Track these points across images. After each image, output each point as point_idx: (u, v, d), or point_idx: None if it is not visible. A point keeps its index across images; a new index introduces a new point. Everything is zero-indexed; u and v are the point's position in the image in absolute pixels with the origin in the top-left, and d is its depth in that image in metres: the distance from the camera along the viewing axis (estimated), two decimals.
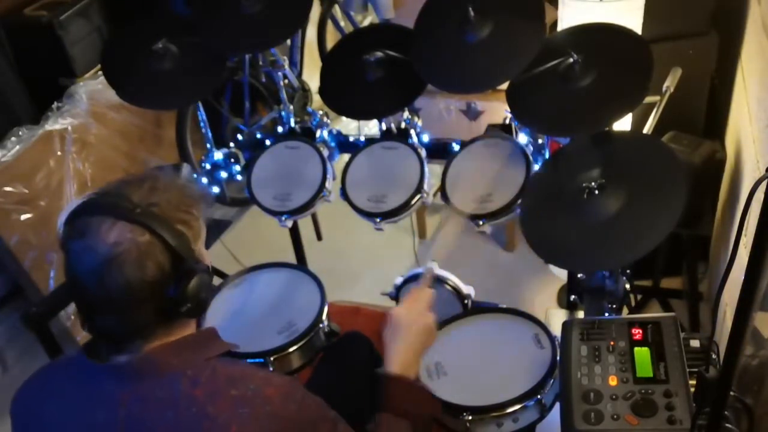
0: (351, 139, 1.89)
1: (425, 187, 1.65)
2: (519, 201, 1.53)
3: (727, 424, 1.05)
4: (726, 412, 1.01)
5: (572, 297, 1.90)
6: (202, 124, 1.97)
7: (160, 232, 0.94)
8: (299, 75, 3.34)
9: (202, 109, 1.97)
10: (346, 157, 1.81)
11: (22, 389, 1.08)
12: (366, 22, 3.90)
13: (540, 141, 1.68)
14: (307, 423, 0.98)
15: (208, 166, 1.92)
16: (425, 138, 1.79)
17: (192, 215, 1.01)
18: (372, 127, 1.88)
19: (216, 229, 3.08)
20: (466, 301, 1.78)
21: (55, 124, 2.54)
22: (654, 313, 2.29)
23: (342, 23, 3.73)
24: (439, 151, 1.75)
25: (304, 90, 3.20)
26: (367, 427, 1.15)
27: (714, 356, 1.31)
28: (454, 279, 1.79)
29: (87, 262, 0.93)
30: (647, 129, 1.62)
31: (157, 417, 0.94)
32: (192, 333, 1.04)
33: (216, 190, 2.00)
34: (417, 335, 1.23)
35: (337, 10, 3.68)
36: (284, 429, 0.95)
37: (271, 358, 1.63)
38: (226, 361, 1.03)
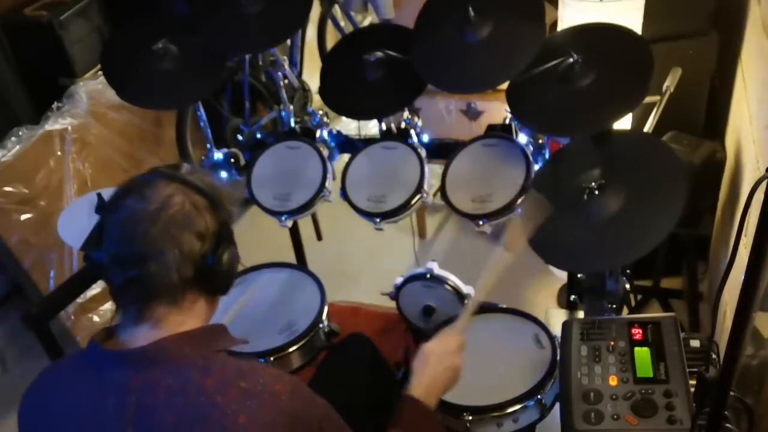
0: (351, 139, 1.89)
1: (425, 187, 1.65)
2: (519, 201, 1.53)
3: (727, 424, 1.05)
4: (726, 412, 1.01)
5: (572, 297, 1.90)
6: (202, 124, 1.97)
7: (213, 200, 1.03)
8: (299, 75, 3.34)
9: (202, 109, 1.96)
10: (346, 157, 1.81)
11: (27, 394, 1.07)
12: (366, 22, 3.90)
13: (540, 141, 1.68)
14: (312, 422, 1.00)
15: (208, 166, 1.92)
16: (425, 138, 1.79)
17: (227, 210, 1.08)
18: (372, 127, 1.88)
19: None
20: (466, 301, 1.78)
21: (55, 124, 2.54)
22: (654, 313, 2.29)
23: (342, 23, 3.73)
24: (439, 151, 1.75)
25: (304, 90, 3.19)
26: None
27: (714, 356, 1.31)
28: (454, 279, 1.79)
29: (140, 210, 0.98)
30: (647, 129, 1.62)
31: (166, 404, 0.95)
32: (203, 326, 1.06)
33: None
34: (444, 372, 1.25)
35: (337, 10, 3.68)
36: (290, 424, 0.96)
37: (271, 358, 1.63)
38: (234, 356, 1.04)
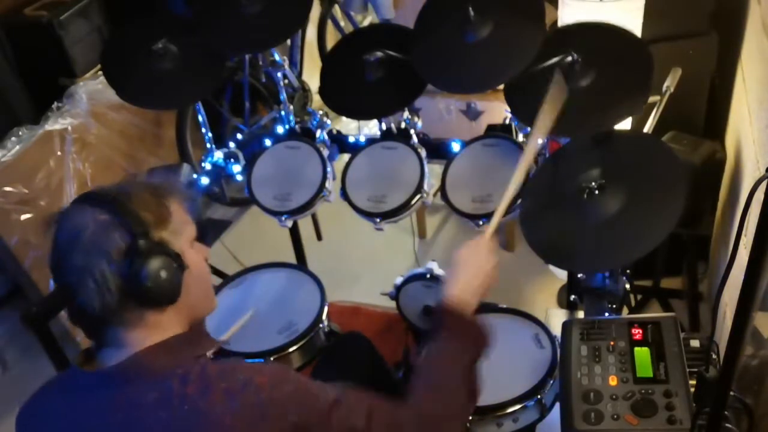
0: (351, 139, 1.89)
1: (425, 187, 1.65)
2: (519, 201, 1.53)
3: (727, 424, 1.05)
4: (726, 412, 1.01)
5: (572, 297, 1.89)
6: (202, 124, 1.97)
7: (120, 214, 0.98)
8: (299, 75, 3.34)
9: (202, 109, 1.97)
10: (346, 157, 1.81)
11: (24, 409, 1.07)
12: (366, 22, 3.90)
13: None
14: (309, 398, 1.00)
15: (208, 166, 1.92)
16: (425, 138, 1.79)
17: (164, 206, 1.04)
18: (372, 127, 1.88)
19: (216, 229, 3.07)
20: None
21: (55, 124, 2.54)
22: (654, 313, 2.29)
23: (342, 23, 3.73)
24: (439, 151, 1.75)
25: (304, 90, 3.20)
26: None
27: (714, 356, 1.31)
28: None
29: (60, 242, 0.99)
30: (647, 129, 1.62)
31: (152, 419, 0.94)
32: (177, 334, 1.04)
33: (216, 189, 2.00)
34: (477, 275, 1.25)
35: (337, 10, 3.68)
36: (282, 411, 0.96)
37: (271, 358, 1.63)
38: (217, 359, 1.03)
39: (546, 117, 1.34)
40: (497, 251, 1.29)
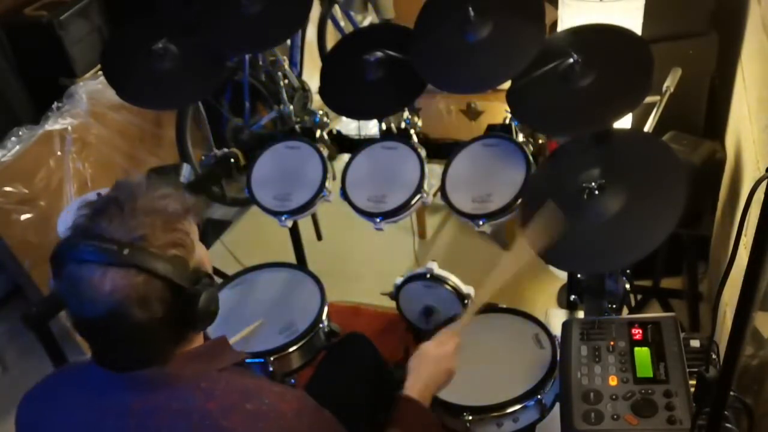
0: (351, 139, 1.89)
1: (425, 187, 1.65)
2: (519, 201, 1.53)
3: (727, 424, 1.05)
4: (726, 412, 1.01)
5: (572, 297, 1.89)
6: (201, 125, 1.97)
7: (154, 269, 0.89)
8: (299, 75, 3.33)
9: (202, 109, 1.96)
10: (346, 157, 1.81)
11: (27, 398, 1.06)
12: (366, 22, 3.90)
13: (540, 141, 1.68)
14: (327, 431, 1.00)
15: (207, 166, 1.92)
16: (425, 138, 1.79)
17: (182, 231, 0.96)
18: (372, 127, 1.88)
19: (216, 229, 3.07)
20: (466, 301, 1.78)
21: (55, 124, 2.54)
22: (654, 313, 2.29)
23: (342, 23, 3.73)
24: (439, 151, 1.75)
25: (304, 90, 3.19)
26: None
27: (714, 356, 1.31)
28: (454, 279, 1.80)
29: (90, 311, 0.90)
30: (647, 129, 1.62)
31: (168, 428, 0.94)
32: (203, 343, 1.03)
33: (216, 189, 2.00)
34: (439, 373, 1.27)
35: (337, 10, 3.68)
36: None
37: (271, 358, 1.63)
38: (238, 372, 1.02)
39: (529, 243, 1.33)
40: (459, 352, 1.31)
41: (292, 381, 1.69)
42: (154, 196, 0.96)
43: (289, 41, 3.23)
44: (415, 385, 1.23)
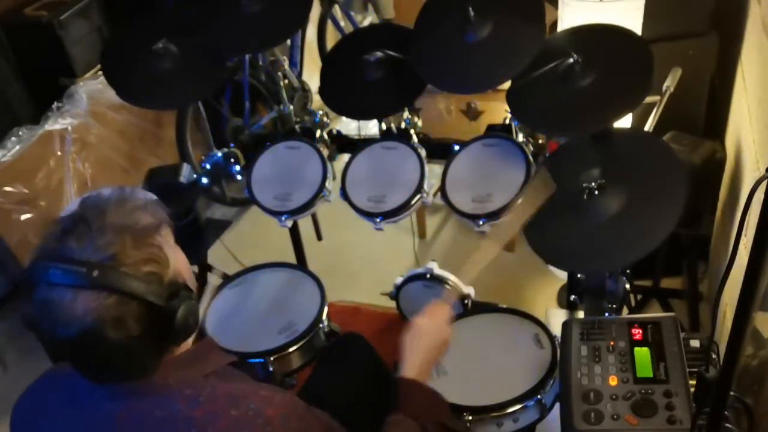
0: (351, 139, 1.89)
1: (425, 187, 1.65)
2: (519, 201, 1.53)
3: (727, 424, 1.05)
4: (726, 412, 1.01)
5: (572, 297, 1.89)
6: (201, 125, 1.97)
7: (126, 290, 0.87)
8: (299, 75, 3.34)
9: (202, 109, 1.96)
10: (346, 157, 1.81)
11: (21, 400, 1.06)
12: (366, 22, 3.90)
13: (540, 141, 1.68)
14: None
15: (208, 166, 1.92)
16: (425, 138, 1.79)
17: (155, 246, 0.92)
18: (372, 127, 1.88)
19: (216, 229, 3.07)
20: (466, 301, 1.78)
21: (55, 124, 2.54)
22: (654, 313, 2.29)
23: (342, 23, 3.73)
24: (439, 151, 1.75)
25: (304, 90, 3.19)
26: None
27: (714, 356, 1.31)
28: (454, 279, 1.80)
29: (63, 333, 0.87)
30: (647, 129, 1.62)
31: None
32: (189, 348, 1.02)
33: (216, 189, 2.00)
34: (435, 346, 1.26)
35: (337, 10, 3.68)
36: None
37: (271, 358, 1.63)
38: (225, 375, 1.01)
39: (522, 210, 1.35)
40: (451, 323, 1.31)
41: (294, 381, 1.69)
42: (123, 210, 0.92)
43: (289, 41, 3.24)
44: (414, 363, 1.22)
